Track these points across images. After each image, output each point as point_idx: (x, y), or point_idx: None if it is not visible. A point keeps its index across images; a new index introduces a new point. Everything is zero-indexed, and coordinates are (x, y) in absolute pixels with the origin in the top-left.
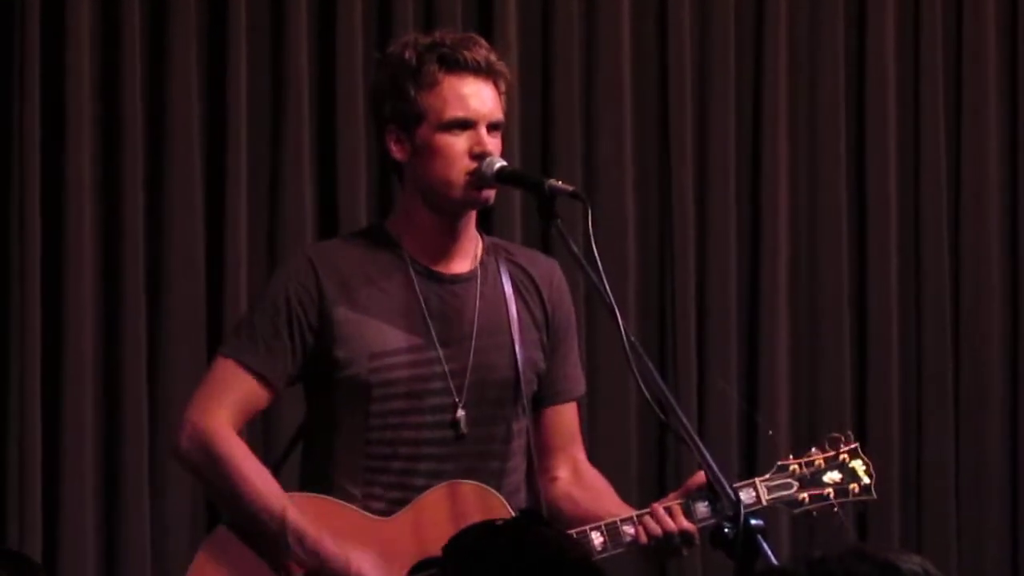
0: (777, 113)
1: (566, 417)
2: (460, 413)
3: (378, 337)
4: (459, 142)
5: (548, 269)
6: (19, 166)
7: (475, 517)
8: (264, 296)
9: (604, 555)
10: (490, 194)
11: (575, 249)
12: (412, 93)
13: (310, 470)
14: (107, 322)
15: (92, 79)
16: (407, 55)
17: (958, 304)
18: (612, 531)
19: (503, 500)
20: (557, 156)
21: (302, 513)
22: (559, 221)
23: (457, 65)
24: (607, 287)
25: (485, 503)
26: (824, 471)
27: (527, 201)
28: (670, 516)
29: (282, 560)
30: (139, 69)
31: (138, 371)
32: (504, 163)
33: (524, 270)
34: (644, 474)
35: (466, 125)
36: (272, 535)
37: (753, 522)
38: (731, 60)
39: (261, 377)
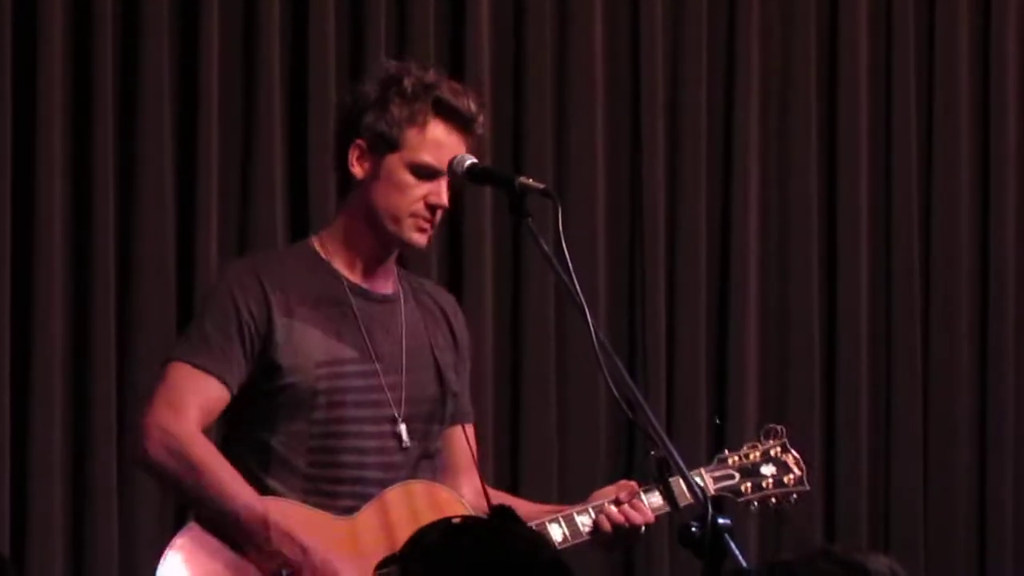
0: (748, 111)
1: (468, 438)
2: (401, 426)
3: (322, 346)
4: (420, 187)
5: (451, 300)
6: None
7: (437, 512)
8: (210, 302)
9: (563, 547)
10: (426, 241)
11: (545, 247)
12: (397, 121)
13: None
14: (76, 322)
15: (63, 74)
16: (405, 82)
17: (928, 298)
18: (569, 522)
19: (457, 496)
20: (528, 153)
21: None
22: (530, 219)
23: (449, 114)
24: (577, 285)
25: (442, 499)
26: (760, 464)
27: (498, 199)
28: (632, 508)
29: (265, 557)
30: (110, 61)
31: (107, 371)
32: (475, 160)
33: (432, 298)
34: (613, 472)
35: (433, 174)
36: (255, 534)
37: (721, 521)
38: (703, 55)
39: (219, 379)
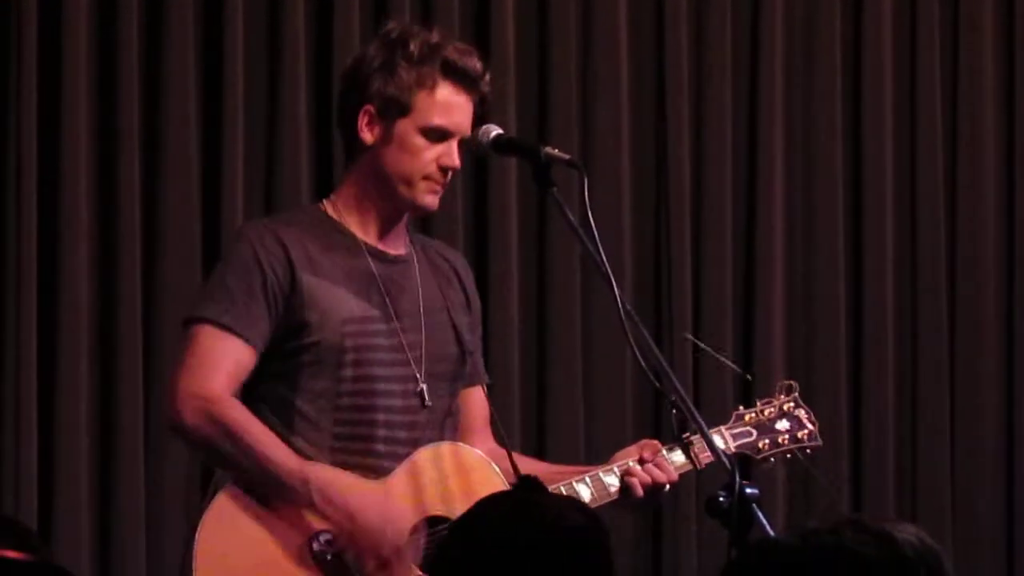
0: (774, 80)
1: (482, 398)
2: (423, 385)
3: (347, 304)
4: (432, 149)
5: (462, 260)
6: (15, 155)
7: (464, 474)
8: (232, 261)
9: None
10: (437, 203)
11: (571, 217)
12: (407, 84)
13: None
14: (103, 303)
15: (88, 67)
16: (412, 46)
17: (953, 283)
18: (596, 482)
19: (485, 458)
20: (554, 124)
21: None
22: (555, 189)
23: (457, 75)
24: (603, 255)
25: (470, 460)
26: (775, 420)
27: (523, 170)
28: (656, 466)
29: (305, 514)
30: (136, 50)
31: (134, 352)
32: (500, 131)
33: (444, 258)
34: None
35: (444, 136)
36: (295, 493)
37: (748, 491)
38: (728, 26)
39: (245, 340)
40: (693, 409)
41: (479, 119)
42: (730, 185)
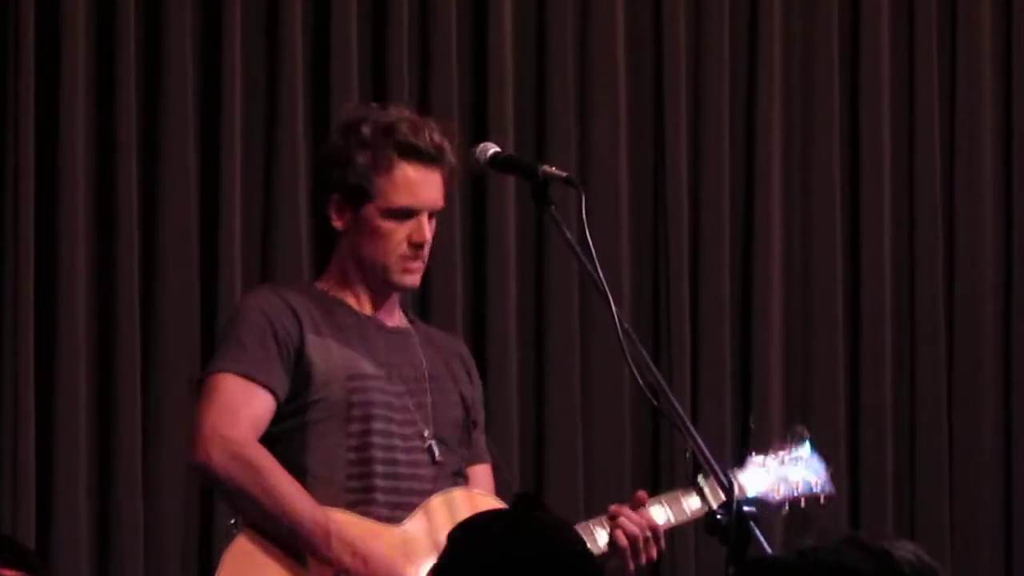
0: (771, 100)
1: (488, 477)
2: (431, 442)
3: (351, 362)
4: (400, 229)
5: (464, 348)
6: (13, 157)
7: None
8: (243, 320)
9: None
10: (418, 280)
11: (569, 236)
12: (364, 171)
13: None
14: (101, 318)
15: (87, 71)
16: (364, 130)
17: (951, 284)
18: (587, 536)
19: (498, 500)
20: (551, 142)
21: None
22: (553, 207)
23: (413, 153)
24: (601, 274)
25: (483, 504)
26: (788, 467)
27: (521, 188)
28: (637, 512)
29: (322, 567)
30: (134, 52)
31: (132, 360)
32: (498, 149)
33: (445, 344)
34: (638, 461)
35: (410, 214)
36: (317, 544)
37: (746, 508)
38: (726, 45)
39: (266, 388)
40: (689, 425)
41: (476, 73)
42: (728, 203)
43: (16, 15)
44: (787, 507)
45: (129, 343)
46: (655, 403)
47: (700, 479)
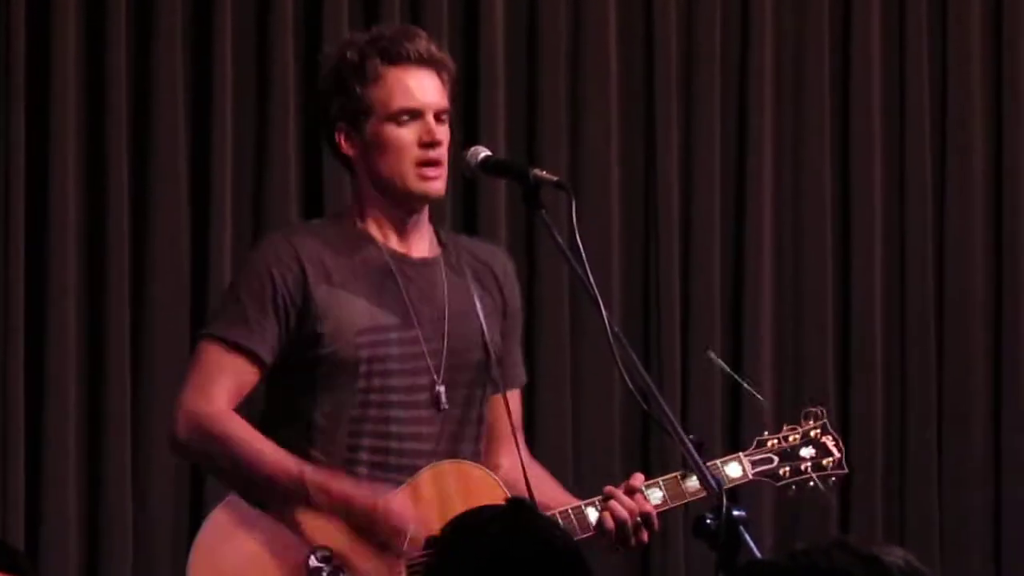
0: (763, 104)
1: (514, 403)
2: (439, 388)
3: (363, 314)
4: (408, 132)
5: (502, 259)
6: (3, 163)
7: (466, 493)
8: (245, 275)
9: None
10: (440, 186)
11: (559, 239)
12: (357, 89)
13: (281, 446)
14: (90, 323)
15: (77, 74)
16: (348, 54)
17: (942, 290)
18: (579, 516)
19: (489, 475)
20: (542, 146)
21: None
22: (544, 211)
23: (399, 57)
24: (591, 278)
25: (473, 478)
26: (799, 446)
27: (512, 191)
28: (631, 497)
29: (303, 530)
30: (124, 57)
31: (121, 362)
32: (489, 152)
33: (480, 259)
34: (628, 464)
35: (414, 115)
36: (293, 494)
37: (735, 513)
38: (716, 50)
39: (251, 354)
40: (681, 431)
41: (467, 78)
42: (719, 206)
43: (7, 18)
44: (794, 487)
45: (118, 345)
46: (645, 407)
47: (706, 464)
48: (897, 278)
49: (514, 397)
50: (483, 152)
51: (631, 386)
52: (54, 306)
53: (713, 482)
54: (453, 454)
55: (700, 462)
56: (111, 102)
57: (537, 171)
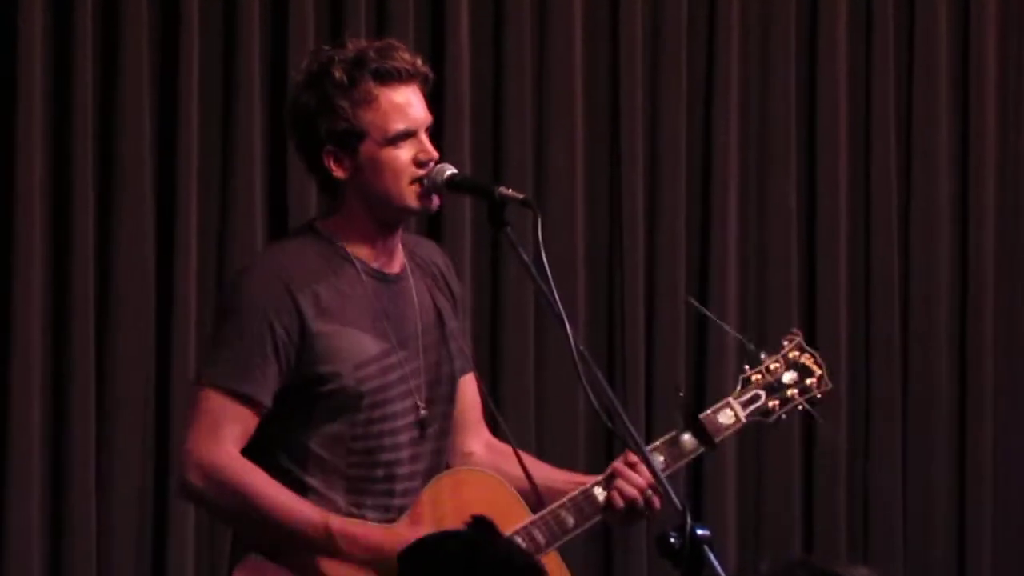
0: (728, 123)
1: (471, 388)
2: (424, 412)
3: (357, 346)
4: (404, 153)
5: (438, 251)
6: None
7: (480, 500)
8: (241, 316)
9: (577, 531)
10: (439, 201)
11: (525, 257)
12: (349, 111)
13: (274, 474)
14: (55, 323)
15: (43, 85)
16: (336, 73)
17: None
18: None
19: (489, 475)
20: (508, 163)
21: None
22: (509, 229)
23: (389, 77)
24: (556, 295)
25: (470, 484)
26: (782, 374)
27: (477, 208)
28: (635, 471)
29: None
30: (91, 70)
31: (86, 374)
32: (455, 170)
33: (425, 258)
34: None
35: (408, 135)
36: (317, 544)
37: (699, 532)
38: (682, 69)
39: (254, 400)
40: (644, 447)
41: (433, 95)
42: (684, 224)
43: None
44: (784, 416)
45: (83, 349)
46: (609, 425)
47: (698, 416)
48: (862, 294)
49: (472, 380)
50: (449, 169)
51: (596, 404)
52: (19, 310)
53: (679, 502)
54: (432, 473)
55: (664, 480)
56: (77, 102)
57: (503, 189)
